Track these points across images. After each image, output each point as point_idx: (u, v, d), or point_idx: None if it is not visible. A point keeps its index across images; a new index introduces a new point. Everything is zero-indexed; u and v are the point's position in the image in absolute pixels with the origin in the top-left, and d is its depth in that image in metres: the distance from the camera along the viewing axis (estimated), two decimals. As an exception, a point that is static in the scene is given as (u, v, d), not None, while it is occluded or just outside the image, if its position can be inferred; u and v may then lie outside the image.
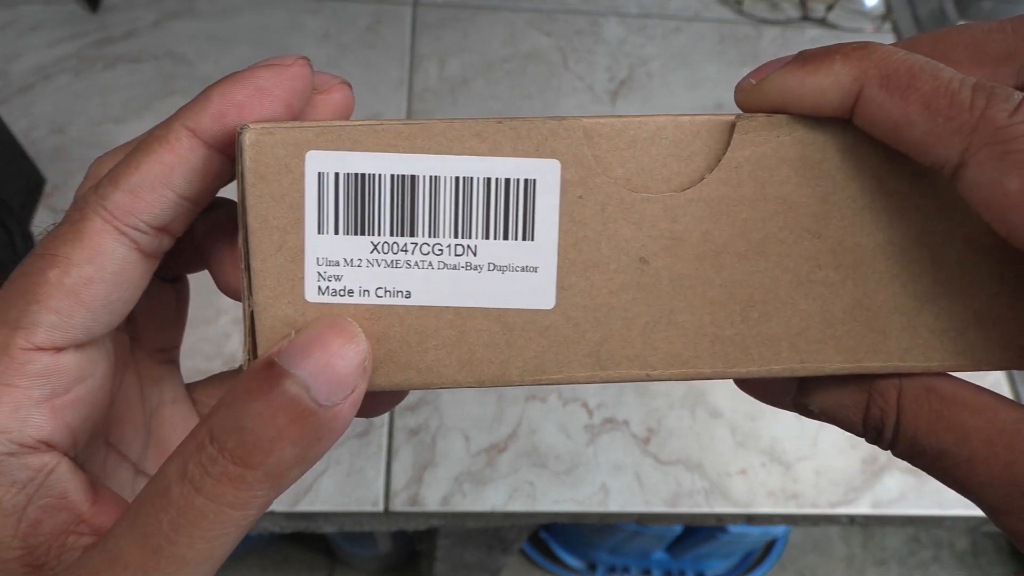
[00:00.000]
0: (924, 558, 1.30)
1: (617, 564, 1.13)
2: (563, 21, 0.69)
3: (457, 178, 0.15)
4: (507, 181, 0.15)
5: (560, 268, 0.16)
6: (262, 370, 0.14)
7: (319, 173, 0.15)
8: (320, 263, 0.15)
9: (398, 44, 0.65)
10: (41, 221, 0.53)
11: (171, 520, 0.13)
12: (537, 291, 0.16)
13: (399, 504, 0.45)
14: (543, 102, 0.63)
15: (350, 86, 0.17)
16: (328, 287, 0.15)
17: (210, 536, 0.13)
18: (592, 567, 1.15)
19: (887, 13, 0.72)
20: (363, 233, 0.15)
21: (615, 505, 0.47)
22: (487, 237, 0.15)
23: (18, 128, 0.55)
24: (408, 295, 0.16)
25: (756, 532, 0.98)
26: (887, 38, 0.71)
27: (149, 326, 0.19)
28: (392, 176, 0.15)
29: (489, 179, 0.15)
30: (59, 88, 0.59)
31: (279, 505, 0.45)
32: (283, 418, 0.13)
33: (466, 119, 0.15)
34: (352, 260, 0.15)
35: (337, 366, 0.14)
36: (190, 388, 0.21)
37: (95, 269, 0.15)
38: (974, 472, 0.15)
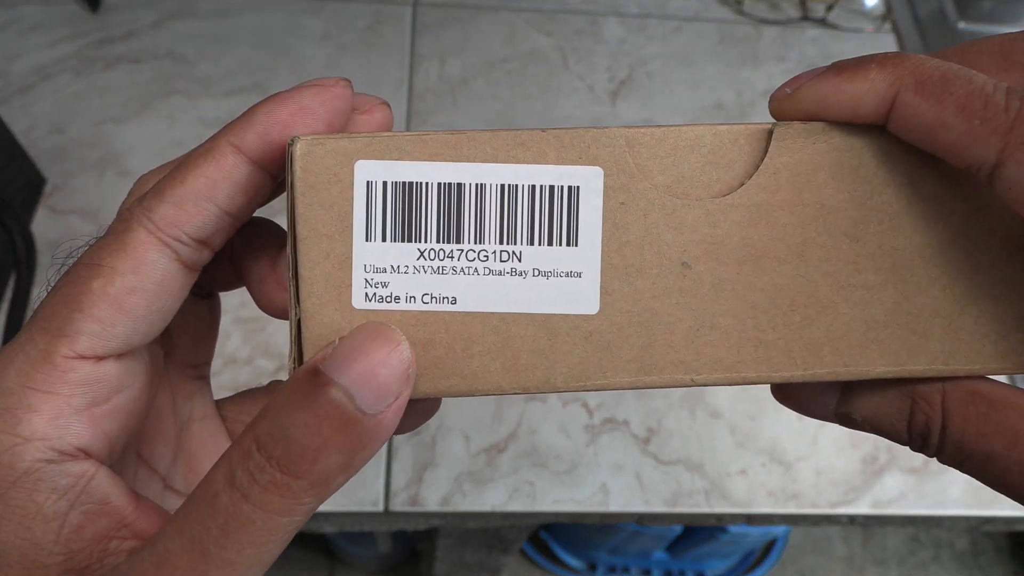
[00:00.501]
0: (924, 558, 1.30)
1: (617, 564, 1.13)
2: (563, 21, 0.69)
3: (502, 185, 0.15)
4: (551, 188, 0.15)
5: (604, 273, 0.16)
6: (306, 378, 0.14)
7: (368, 182, 0.15)
8: (367, 270, 0.15)
9: (398, 44, 0.65)
10: (41, 221, 0.53)
11: (220, 526, 0.13)
12: (581, 296, 0.16)
13: (399, 504, 0.45)
14: (543, 102, 0.63)
15: (389, 106, 0.17)
16: (375, 294, 0.16)
17: (258, 542, 0.14)
18: (592, 567, 1.15)
19: (887, 13, 0.72)
20: (410, 240, 0.15)
21: (615, 505, 0.47)
22: (532, 243, 0.15)
23: (18, 128, 0.55)
24: (454, 301, 0.16)
25: (756, 532, 0.98)
26: (887, 38, 0.71)
27: (182, 341, 0.20)
28: (439, 184, 0.15)
29: (534, 186, 0.15)
30: (59, 88, 0.59)
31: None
32: (328, 427, 0.13)
33: (511, 129, 0.15)
34: (399, 267, 0.16)
35: (381, 374, 0.14)
36: (219, 404, 0.21)
37: (138, 279, 0.15)
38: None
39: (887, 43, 0.71)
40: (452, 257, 0.16)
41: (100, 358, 0.15)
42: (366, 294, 0.16)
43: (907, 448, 0.18)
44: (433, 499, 0.46)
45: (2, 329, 0.42)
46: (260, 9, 0.66)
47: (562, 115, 0.62)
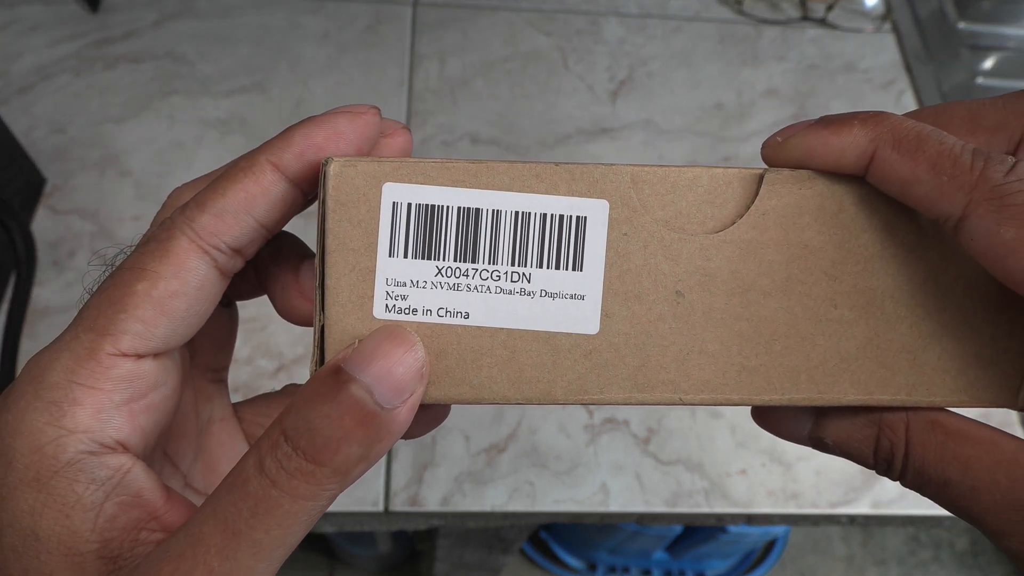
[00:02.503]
0: (924, 558, 1.30)
1: (617, 564, 1.13)
2: (563, 21, 0.69)
3: (517, 212, 0.17)
4: (561, 217, 0.17)
5: (605, 297, 0.17)
6: (329, 376, 0.15)
7: (394, 203, 0.17)
8: (389, 283, 0.17)
9: (398, 44, 0.65)
10: (41, 221, 0.53)
11: (250, 508, 0.15)
12: (583, 317, 0.17)
13: (399, 504, 0.45)
14: (543, 102, 0.63)
15: (410, 130, 0.19)
16: (395, 305, 0.17)
17: (284, 524, 0.15)
18: (592, 567, 1.15)
19: (887, 13, 0.72)
20: (429, 258, 0.17)
21: (615, 505, 0.47)
22: (541, 266, 0.17)
23: (18, 128, 0.55)
24: (467, 316, 0.17)
25: (756, 532, 0.99)
26: (887, 38, 0.71)
27: (205, 345, 0.21)
28: (459, 208, 0.17)
29: (545, 214, 0.17)
30: (59, 88, 0.59)
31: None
32: (349, 420, 0.15)
33: (527, 162, 0.17)
34: (418, 282, 0.17)
35: (398, 372, 0.15)
36: (235, 407, 0.22)
37: (180, 284, 0.16)
38: (977, 500, 0.17)
39: (887, 43, 0.71)
40: (467, 275, 0.17)
41: (140, 356, 0.16)
42: (386, 305, 0.17)
43: None
44: (433, 499, 0.46)
45: (2, 329, 0.42)
46: (260, 9, 0.66)
47: (562, 115, 0.62)
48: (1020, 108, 0.18)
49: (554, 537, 1.13)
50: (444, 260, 0.17)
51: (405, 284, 0.17)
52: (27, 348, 0.47)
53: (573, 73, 0.65)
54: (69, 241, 0.52)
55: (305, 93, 0.61)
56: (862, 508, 0.47)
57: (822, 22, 0.71)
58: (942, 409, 0.18)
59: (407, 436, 0.19)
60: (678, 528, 0.99)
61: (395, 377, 0.15)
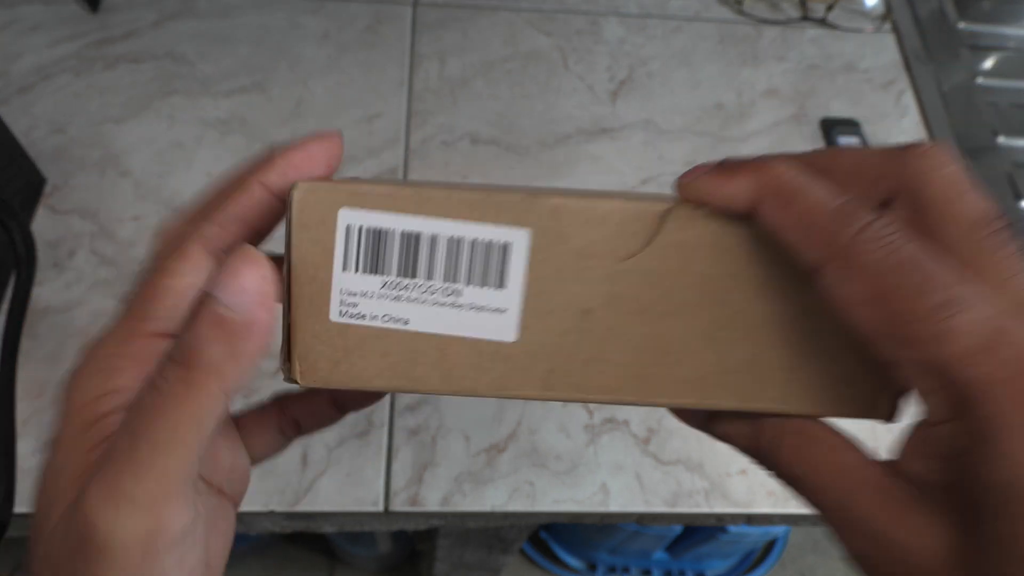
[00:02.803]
0: (924, 558, 1.30)
1: (617, 564, 1.13)
2: (563, 21, 0.69)
3: (450, 238, 0.19)
4: (489, 243, 0.19)
5: (523, 312, 0.20)
6: (197, 301, 0.19)
7: (347, 226, 0.20)
8: (342, 293, 0.20)
9: (398, 44, 0.65)
10: (41, 221, 0.53)
11: (144, 418, 0.18)
12: (504, 328, 0.20)
13: (399, 504, 0.45)
14: (543, 102, 0.63)
15: (341, 136, 0.22)
16: (347, 311, 0.20)
17: (172, 424, 0.18)
18: (592, 567, 1.15)
19: (887, 13, 0.72)
20: (376, 273, 0.20)
21: (615, 505, 0.47)
22: (469, 284, 0.20)
23: (18, 128, 0.55)
24: (407, 322, 0.20)
25: (756, 532, 0.99)
26: (887, 38, 0.71)
27: None
28: (402, 232, 0.19)
29: (475, 240, 0.19)
30: (59, 88, 0.59)
31: (279, 505, 0.45)
32: (207, 326, 0.18)
33: (463, 190, 0.19)
34: (366, 293, 0.20)
35: (244, 284, 0.18)
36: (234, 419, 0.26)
37: (195, 278, 0.20)
38: (822, 498, 0.20)
39: (887, 43, 0.71)
40: (407, 289, 0.20)
41: (169, 335, 0.20)
42: (340, 311, 0.20)
43: None
44: (433, 499, 0.46)
45: (2, 329, 0.42)
46: (260, 9, 0.66)
47: (562, 115, 0.62)
48: (901, 161, 0.19)
49: (554, 537, 1.13)
50: (388, 275, 0.20)
51: (356, 294, 0.20)
52: (27, 348, 0.47)
53: (573, 73, 0.65)
54: (69, 241, 0.52)
55: (305, 93, 0.61)
56: (862, 508, 0.47)
57: (822, 22, 0.71)
58: (809, 418, 0.21)
59: (354, 408, 0.26)
60: (678, 528, 0.99)
61: (241, 287, 0.18)
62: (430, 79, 0.63)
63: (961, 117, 0.66)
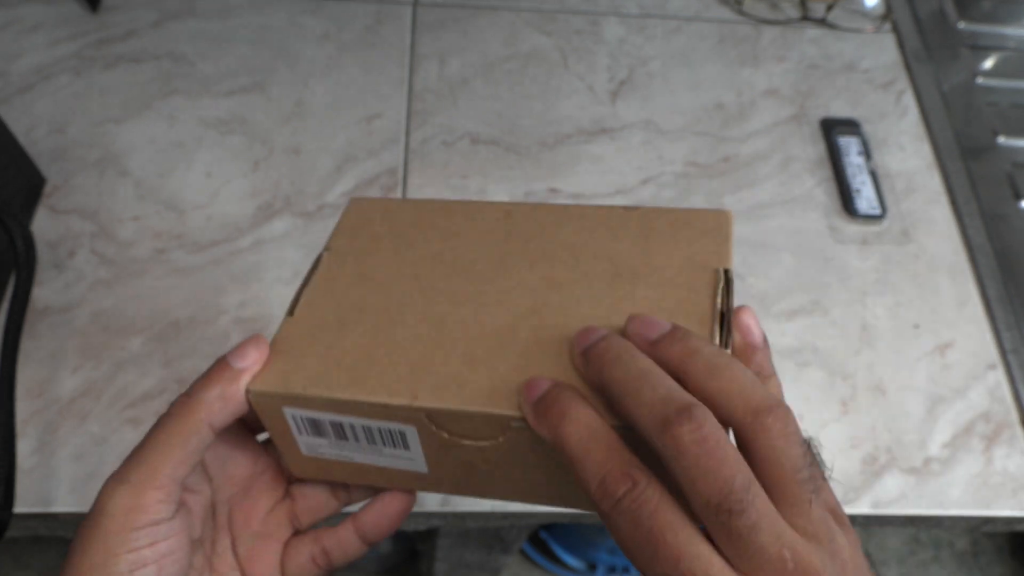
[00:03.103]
0: (924, 558, 1.30)
1: (617, 564, 1.13)
2: (563, 21, 0.69)
3: (363, 426, 0.27)
4: (390, 429, 0.27)
5: (427, 460, 0.28)
6: (214, 364, 0.28)
7: (292, 415, 0.28)
8: (303, 443, 0.29)
9: (398, 44, 0.65)
10: (41, 221, 0.53)
11: (155, 427, 0.26)
12: (418, 465, 0.29)
13: (399, 504, 0.45)
14: (543, 102, 0.63)
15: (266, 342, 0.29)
16: (311, 451, 0.29)
17: (167, 435, 0.26)
18: (592, 567, 1.15)
19: (887, 13, 0.72)
20: (321, 436, 0.28)
21: (615, 505, 0.47)
22: (385, 446, 0.28)
23: (18, 128, 0.55)
24: (351, 459, 0.29)
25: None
26: (887, 38, 0.71)
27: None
28: (330, 421, 0.28)
29: (382, 427, 0.27)
30: (59, 88, 0.59)
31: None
32: (214, 373, 0.27)
33: (370, 396, 0.27)
34: (319, 444, 0.29)
35: (245, 352, 0.28)
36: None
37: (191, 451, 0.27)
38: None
39: (887, 43, 0.71)
40: (342, 447, 0.29)
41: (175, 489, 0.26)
42: (306, 451, 0.29)
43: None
44: (433, 499, 0.46)
45: (2, 329, 0.42)
46: (260, 9, 0.66)
47: (562, 115, 0.62)
48: (681, 422, 0.22)
49: (554, 537, 1.13)
50: (328, 439, 0.28)
51: (313, 444, 0.29)
52: (27, 348, 0.47)
53: (573, 73, 0.65)
54: (69, 241, 0.52)
55: (305, 93, 0.61)
56: (862, 508, 0.47)
57: (822, 22, 0.71)
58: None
59: (376, 539, 0.32)
60: (678, 528, 0.98)
61: (242, 351, 0.27)
62: (430, 79, 0.63)
63: (961, 117, 0.66)
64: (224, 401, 0.26)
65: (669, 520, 0.21)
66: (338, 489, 0.33)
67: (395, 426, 0.27)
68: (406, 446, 0.28)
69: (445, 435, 0.27)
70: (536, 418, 0.24)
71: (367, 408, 0.27)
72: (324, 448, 0.29)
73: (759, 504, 0.20)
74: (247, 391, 0.27)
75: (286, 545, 0.32)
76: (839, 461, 0.49)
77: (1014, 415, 0.50)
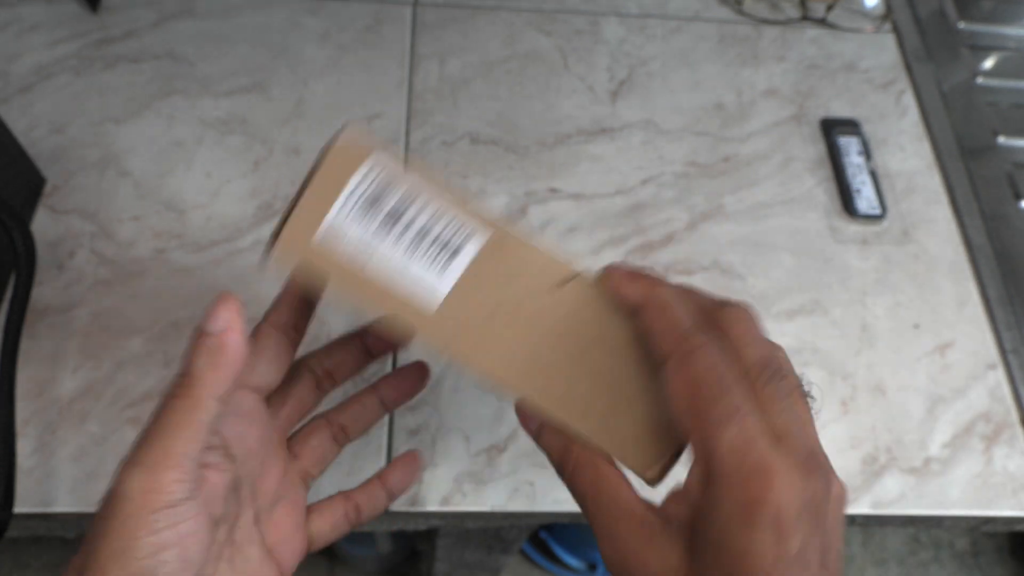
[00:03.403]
0: (924, 558, 1.30)
1: (617, 564, 1.13)
2: (563, 21, 0.69)
3: (427, 220, 0.26)
4: (454, 233, 0.26)
5: (451, 293, 0.26)
6: (192, 337, 0.28)
7: (360, 179, 0.26)
8: (331, 224, 0.26)
9: (398, 44, 0.65)
10: (41, 221, 0.53)
11: (159, 410, 0.27)
12: (433, 297, 0.26)
13: (399, 504, 0.45)
14: (543, 102, 0.63)
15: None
16: (330, 237, 0.26)
17: (172, 415, 0.26)
18: (592, 567, 1.15)
19: (887, 13, 0.72)
20: (363, 219, 0.26)
21: (615, 505, 0.47)
22: (425, 256, 0.26)
23: (18, 128, 0.55)
24: (365, 264, 0.26)
25: (756, 532, 0.98)
26: (887, 38, 0.71)
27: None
28: (398, 198, 0.26)
29: (446, 227, 0.26)
30: (59, 88, 0.59)
31: (279, 505, 0.45)
32: (197, 348, 0.27)
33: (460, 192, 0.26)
34: (350, 230, 0.26)
35: (219, 315, 0.27)
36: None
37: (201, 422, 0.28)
38: (597, 516, 0.27)
39: (887, 43, 0.71)
40: (375, 242, 0.26)
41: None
42: (319, 239, 0.27)
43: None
44: (433, 499, 0.46)
45: (2, 329, 0.42)
46: (260, 9, 0.66)
47: (562, 115, 0.62)
48: (720, 310, 0.27)
49: (554, 537, 1.13)
50: (369, 225, 0.26)
51: (341, 229, 0.26)
52: (27, 348, 0.47)
53: (573, 73, 0.65)
54: (69, 241, 0.52)
55: (305, 93, 0.61)
56: (862, 508, 0.47)
57: (822, 22, 0.71)
58: (608, 458, 0.28)
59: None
60: (678, 528, 0.98)
61: (215, 316, 0.27)
62: (430, 79, 0.63)
63: (961, 117, 0.66)
64: (216, 369, 0.27)
65: (736, 375, 0.25)
66: (334, 425, 0.35)
67: (463, 231, 0.26)
68: (447, 264, 0.26)
69: (502, 264, 0.26)
70: (629, 281, 0.28)
71: (459, 195, 0.26)
72: (351, 238, 0.26)
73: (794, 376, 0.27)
74: (341, 128, 0.27)
75: (318, 506, 0.34)
76: (839, 461, 0.49)
77: (1014, 415, 0.50)
